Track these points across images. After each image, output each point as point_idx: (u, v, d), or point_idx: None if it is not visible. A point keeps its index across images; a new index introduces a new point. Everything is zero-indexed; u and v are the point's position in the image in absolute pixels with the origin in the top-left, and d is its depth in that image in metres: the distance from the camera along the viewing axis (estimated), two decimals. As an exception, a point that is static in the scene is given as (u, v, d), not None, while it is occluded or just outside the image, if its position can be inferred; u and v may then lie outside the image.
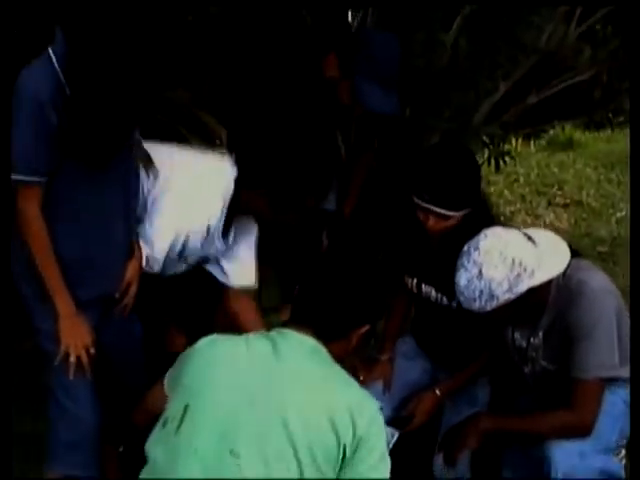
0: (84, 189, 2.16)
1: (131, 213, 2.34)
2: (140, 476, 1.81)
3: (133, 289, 2.39)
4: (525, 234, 2.31)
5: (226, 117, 2.86)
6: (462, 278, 2.25)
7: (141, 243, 2.39)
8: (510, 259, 2.20)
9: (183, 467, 1.71)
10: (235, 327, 2.55)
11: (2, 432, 1.96)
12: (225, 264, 2.66)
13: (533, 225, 5.38)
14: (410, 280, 2.74)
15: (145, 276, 2.44)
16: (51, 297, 2.18)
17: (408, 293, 2.80)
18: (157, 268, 2.47)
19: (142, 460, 1.84)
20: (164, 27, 2.13)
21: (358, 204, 3.42)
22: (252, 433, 1.71)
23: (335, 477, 1.74)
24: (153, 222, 2.40)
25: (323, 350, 1.86)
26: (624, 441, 2.46)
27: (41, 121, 2.00)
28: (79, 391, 2.29)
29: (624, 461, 2.47)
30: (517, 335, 2.48)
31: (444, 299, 2.64)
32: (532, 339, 2.43)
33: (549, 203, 6.01)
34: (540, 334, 2.40)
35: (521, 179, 6.47)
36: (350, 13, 3.69)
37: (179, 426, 1.75)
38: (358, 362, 2.71)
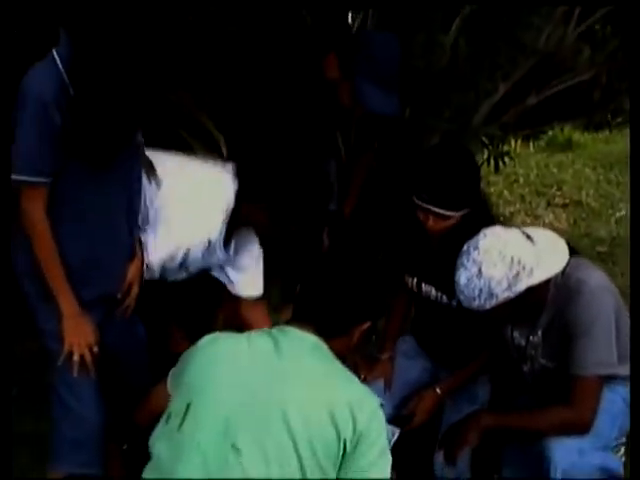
0: (88, 190, 2.17)
1: (134, 214, 2.34)
2: (144, 472, 1.83)
3: (135, 290, 2.40)
4: (524, 233, 2.32)
5: (226, 122, 2.87)
6: (462, 277, 2.26)
7: (145, 256, 2.41)
8: (509, 258, 2.21)
9: (186, 463, 1.73)
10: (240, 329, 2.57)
11: (2, 432, 1.97)
12: (231, 274, 2.68)
13: (532, 225, 5.37)
14: (410, 279, 2.75)
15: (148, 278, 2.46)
16: (55, 297, 2.19)
17: (408, 292, 2.82)
18: (157, 276, 2.49)
19: (145, 458, 1.86)
20: (166, 29, 2.13)
21: (358, 204, 3.43)
22: (253, 429, 1.72)
23: (335, 473, 1.75)
24: (156, 232, 2.41)
25: (324, 347, 1.88)
26: (623, 439, 2.47)
27: (45, 122, 2.01)
28: (83, 390, 2.29)
29: (623, 458, 2.48)
30: (516, 333, 2.49)
31: (444, 298, 2.65)
32: (531, 337, 2.44)
33: (548, 203, 6.02)
34: (539, 332, 2.42)
35: (520, 180, 6.48)
36: (350, 14, 3.71)
37: (182, 423, 1.77)
38: (359, 361, 2.72)
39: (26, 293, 2.25)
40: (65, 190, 2.13)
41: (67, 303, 2.20)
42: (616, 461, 2.41)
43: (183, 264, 2.48)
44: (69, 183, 2.12)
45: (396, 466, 1.90)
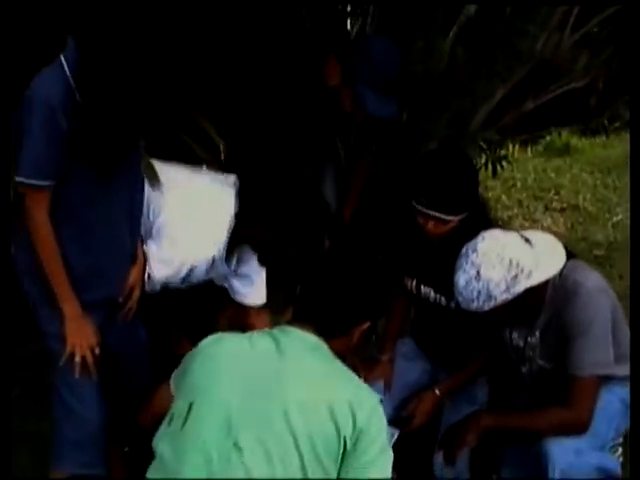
0: (91, 193, 2.17)
1: (136, 218, 2.36)
2: (147, 472, 1.84)
3: (136, 293, 2.41)
4: (522, 236, 2.34)
5: (227, 127, 2.89)
6: (461, 279, 2.28)
7: (147, 267, 2.41)
8: (507, 260, 2.23)
9: (189, 462, 1.74)
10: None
11: (2, 432, 1.98)
12: (234, 283, 2.70)
13: (530, 229, 5.39)
14: (409, 281, 2.77)
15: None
16: (57, 299, 2.19)
17: (408, 294, 2.83)
18: (158, 289, 2.50)
19: (147, 460, 1.87)
20: (171, 36, 2.15)
21: (358, 207, 3.45)
22: (255, 428, 1.74)
23: (336, 471, 1.77)
24: (160, 247, 2.41)
25: (324, 346, 1.90)
26: (620, 439, 2.49)
27: (51, 126, 2.01)
28: (85, 391, 2.30)
29: (621, 459, 2.50)
30: (515, 335, 2.51)
31: (443, 300, 2.67)
32: (529, 338, 2.46)
33: (546, 208, 6.02)
34: (537, 333, 2.43)
35: (518, 184, 6.48)
36: (349, 20, 3.73)
37: (185, 422, 1.78)
38: (359, 362, 2.73)
39: (26, 293, 2.26)
40: (68, 193, 2.14)
41: (69, 305, 2.20)
42: (613, 461, 2.42)
43: (186, 279, 2.50)
44: (73, 186, 2.13)
45: (396, 466, 1.91)
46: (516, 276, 2.23)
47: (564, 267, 2.33)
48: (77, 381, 2.27)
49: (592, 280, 2.37)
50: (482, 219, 2.58)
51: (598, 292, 2.35)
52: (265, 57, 2.98)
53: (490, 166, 4.52)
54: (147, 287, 2.44)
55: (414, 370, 2.89)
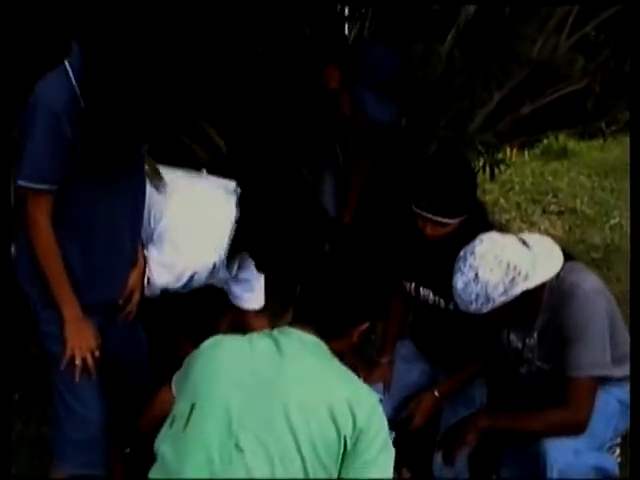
0: (93, 197, 2.18)
1: (137, 221, 2.36)
2: (150, 473, 1.85)
3: (136, 297, 2.42)
4: (520, 239, 2.36)
5: (227, 129, 2.90)
6: (459, 282, 2.30)
7: (148, 269, 2.42)
8: (505, 263, 2.25)
9: (191, 463, 1.75)
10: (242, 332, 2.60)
11: (2, 435, 1.99)
12: (234, 288, 2.72)
13: (528, 232, 5.40)
14: (409, 284, 2.78)
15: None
16: (57, 302, 2.20)
17: (406, 297, 2.84)
18: (159, 294, 2.51)
19: (147, 462, 1.88)
20: (174, 43, 2.16)
21: (357, 210, 3.46)
22: (256, 428, 1.75)
23: (337, 470, 1.78)
24: (162, 254, 2.42)
25: (324, 347, 1.91)
26: (618, 439, 2.51)
27: (55, 131, 2.02)
28: (86, 393, 2.31)
29: (619, 459, 2.52)
30: (513, 336, 2.52)
31: (442, 302, 2.68)
32: (527, 340, 2.47)
33: (544, 211, 6.04)
34: (535, 335, 2.45)
35: (516, 187, 6.50)
36: (347, 25, 3.74)
37: (187, 424, 1.79)
38: (359, 364, 2.75)
39: (27, 296, 2.26)
40: (69, 197, 2.14)
41: (69, 308, 2.21)
42: (611, 461, 2.44)
43: (187, 285, 2.51)
44: (74, 190, 2.14)
45: (396, 467, 1.92)
46: (514, 279, 2.25)
47: (561, 269, 2.34)
48: (78, 382, 2.28)
49: (589, 282, 2.39)
50: (481, 221, 2.59)
51: (595, 294, 2.36)
52: (264, 61, 2.98)
53: (488, 169, 4.52)
54: (147, 292, 2.45)
55: (413, 372, 2.90)
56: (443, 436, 2.58)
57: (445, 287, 2.42)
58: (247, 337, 1.96)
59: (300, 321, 1.95)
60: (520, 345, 2.51)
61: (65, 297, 2.20)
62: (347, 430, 1.76)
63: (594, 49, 4.08)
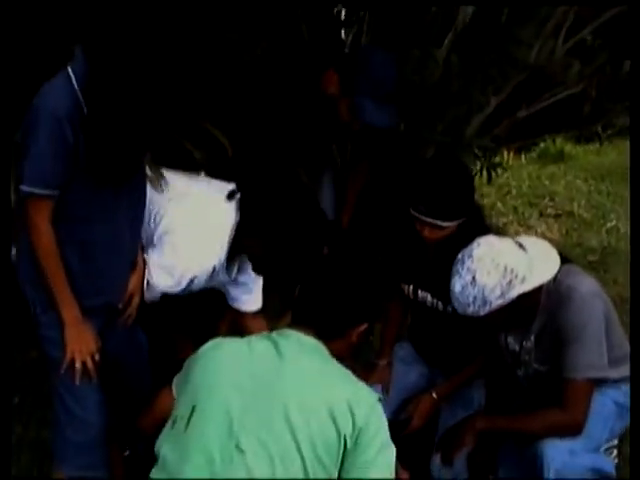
0: (93, 201, 2.18)
1: (137, 225, 2.37)
2: (151, 473, 1.86)
3: (136, 300, 2.43)
4: (517, 242, 2.38)
5: (229, 132, 2.92)
6: (456, 285, 2.32)
7: (147, 273, 2.43)
8: (502, 266, 2.27)
9: (192, 463, 1.77)
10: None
11: (2, 439, 1.99)
12: (232, 290, 2.73)
13: (525, 235, 5.40)
14: (407, 286, 2.79)
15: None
16: (57, 305, 2.20)
17: (405, 299, 2.86)
18: (158, 298, 2.52)
19: (147, 464, 1.89)
20: (176, 49, 2.16)
21: (356, 213, 3.47)
22: (257, 429, 1.77)
23: (337, 470, 1.79)
24: (162, 258, 2.42)
25: (323, 348, 1.93)
26: (615, 441, 2.53)
27: (58, 137, 2.02)
28: (87, 396, 2.31)
29: (616, 460, 2.54)
30: (510, 339, 2.54)
31: (440, 304, 2.70)
32: (525, 342, 2.49)
33: (541, 214, 6.05)
34: (532, 337, 2.46)
35: (513, 191, 6.51)
36: (344, 30, 3.74)
37: (187, 425, 1.81)
38: (357, 367, 2.76)
39: (28, 299, 2.26)
40: (70, 201, 2.14)
41: (69, 312, 2.21)
42: (608, 462, 2.46)
43: (187, 288, 2.52)
44: (74, 194, 2.14)
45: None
46: (511, 282, 2.27)
47: (558, 272, 2.36)
48: (79, 385, 2.28)
49: (586, 285, 2.40)
50: (478, 224, 2.61)
51: (592, 296, 2.38)
52: (262, 65, 2.99)
53: (485, 173, 4.52)
54: (147, 295, 2.46)
55: (412, 374, 2.92)
56: (441, 438, 2.60)
57: (443, 290, 2.43)
58: (246, 340, 1.97)
59: (299, 323, 1.97)
60: (517, 347, 2.52)
61: (65, 300, 2.20)
62: (347, 430, 1.78)
63: (590, 54, 4.09)
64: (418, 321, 2.96)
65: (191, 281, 2.48)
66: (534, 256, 2.34)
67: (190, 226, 2.43)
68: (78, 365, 2.26)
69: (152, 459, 1.89)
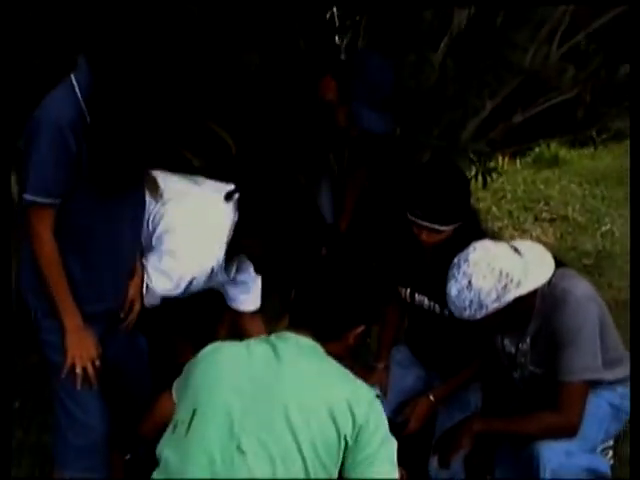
0: (94, 208, 2.19)
1: (137, 231, 2.38)
2: (152, 476, 1.88)
3: (137, 307, 2.44)
4: (512, 246, 2.40)
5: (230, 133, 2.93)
6: (453, 289, 2.33)
7: (146, 276, 2.44)
8: (498, 270, 2.28)
9: (194, 465, 1.78)
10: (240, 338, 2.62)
11: (3, 444, 2.00)
12: (231, 291, 2.74)
13: (520, 240, 5.41)
14: (404, 290, 2.80)
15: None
16: (59, 312, 2.21)
17: (402, 303, 2.87)
18: (158, 303, 2.53)
19: (148, 468, 1.91)
20: (179, 60, 2.18)
21: (354, 218, 3.48)
22: (257, 431, 1.79)
23: (337, 470, 1.82)
24: (161, 262, 2.43)
25: (320, 349, 1.95)
26: (610, 442, 2.55)
27: (60, 146, 2.03)
28: (89, 401, 2.32)
29: (612, 461, 2.56)
30: (506, 342, 2.56)
31: (437, 307, 2.71)
32: (520, 345, 2.51)
33: (536, 218, 6.05)
34: (528, 340, 2.48)
35: (508, 195, 6.52)
36: (337, 36, 3.75)
37: (189, 428, 1.82)
38: (355, 369, 2.77)
39: (29, 305, 2.27)
40: (71, 208, 2.15)
41: (71, 320, 2.22)
42: (604, 463, 2.48)
43: (186, 291, 2.52)
44: (76, 202, 2.15)
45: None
46: (506, 285, 2.29)
47: (553, 275, 2.38)
48: (80, 392, 2.29)
49: (580, 288, 2.42)
50: (474, 228, 2.63)
51: (586, 300, 2.40)
52: (260, 72, 3.00)
53: (480, 177, 4.53)
54: (147, 299, 2.46)
55: (409, 377, 2.93)
56: (439, 440, 2.61)
57: (440, 293, 2.44)
58: (245, 343, 1.99)
59: (296, 325, 1.99)
60: (513, 350, 2.54)
61: (66, 307, 2.21)
62: (347, 429, 1.80)
63: (585, 58, 4.11)
64: (415, 324, 2.97)
65: (190, 283, 2.49)
66: (529, 260, 2.36)
67: (187, 228, 2.44)
68: (79, 371, 2.27)
69: (153, 463, 1.90)
